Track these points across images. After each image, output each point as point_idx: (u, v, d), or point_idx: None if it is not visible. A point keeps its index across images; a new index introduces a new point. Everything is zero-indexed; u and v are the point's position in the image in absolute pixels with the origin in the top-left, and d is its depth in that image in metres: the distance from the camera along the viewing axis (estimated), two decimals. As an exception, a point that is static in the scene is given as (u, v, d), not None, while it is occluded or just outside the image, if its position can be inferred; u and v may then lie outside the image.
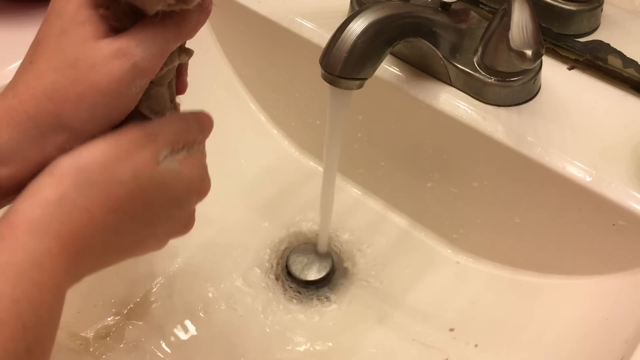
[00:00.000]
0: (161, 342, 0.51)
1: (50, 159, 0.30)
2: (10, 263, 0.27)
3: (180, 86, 0.37)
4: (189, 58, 0.36)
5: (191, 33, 0.33)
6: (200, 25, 0.33)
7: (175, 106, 0.37)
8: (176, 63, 0.34)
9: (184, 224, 0.36)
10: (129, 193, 0.31)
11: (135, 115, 0.33)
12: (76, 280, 0.30)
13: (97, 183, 0.30)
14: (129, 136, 0.31)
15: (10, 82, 0.32)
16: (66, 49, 0.30)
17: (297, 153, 0.64)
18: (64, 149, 0.31)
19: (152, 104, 0.34)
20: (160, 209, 0.33)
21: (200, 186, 0.35)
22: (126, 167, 0.31)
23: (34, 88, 0.30)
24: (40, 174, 0.30)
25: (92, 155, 0.30)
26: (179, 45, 0.33)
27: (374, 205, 0.61)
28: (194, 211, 0.37)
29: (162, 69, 0.32)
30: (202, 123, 0.36)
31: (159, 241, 0.36)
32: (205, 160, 0.36)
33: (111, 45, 0.30)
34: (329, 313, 0.54)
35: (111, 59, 0.30)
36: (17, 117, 0.30)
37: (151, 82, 0.32)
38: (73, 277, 0.30)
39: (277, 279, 0.56)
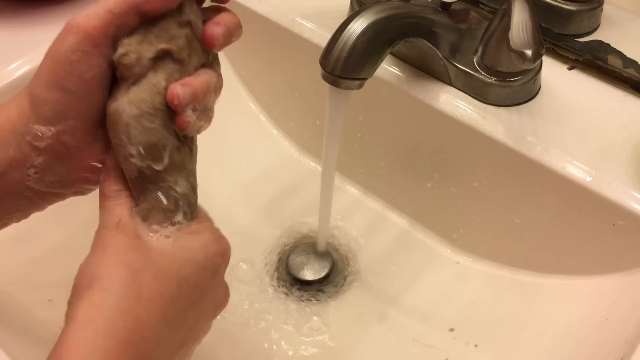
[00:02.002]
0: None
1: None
2: None
3: (205, 38, 0.35)
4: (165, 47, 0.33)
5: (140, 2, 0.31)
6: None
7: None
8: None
9: (223, 292, 0.36)
10: (155, 275, 0.31)
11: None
12: None
13: (123, 279, 0.30)
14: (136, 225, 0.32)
15: None
16: None
17: (297, 153, 0.64)
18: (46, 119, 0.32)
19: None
20: (192, 280, 0.33)
21: (219, 248, 0.35)
22: (140, 254, 0.31)
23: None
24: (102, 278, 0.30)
25: (109, 253, 0.31)
26: (130, 14, 0.32)
27: (373, 205, 0.61)
28: (223, 275, 0.36)
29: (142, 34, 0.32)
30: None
31: (207, 321, 0.36)
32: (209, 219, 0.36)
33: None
34: (328, 313, 0.54)
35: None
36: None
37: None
38: None
39: (276, 278, 0.56)
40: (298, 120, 0.63)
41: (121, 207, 0.33)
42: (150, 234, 0.32)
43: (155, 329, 0.30)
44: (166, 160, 0.33)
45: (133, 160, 0.32)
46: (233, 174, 0.62)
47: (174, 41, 0.33)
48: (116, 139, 0.32)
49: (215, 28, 0.34)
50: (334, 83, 0.43)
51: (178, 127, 0.33)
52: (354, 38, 0.42)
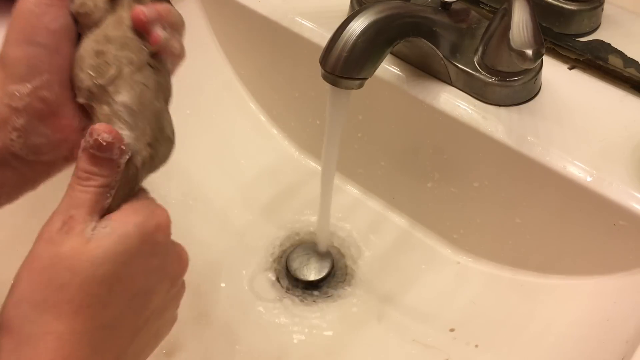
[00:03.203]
0: (161, 342, 0.51)
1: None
2: None
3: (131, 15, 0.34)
4: None
5: None
6: None
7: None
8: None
9: (175, 261, 0.34)
10: (78, 289, 0.29)
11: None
12: None
13: (40, 303, 0.28)
14: (43, 242, 0.30)
15: None
16: None
17: (297, 153, 0.64)
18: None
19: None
20: (127, 272, 0.30)
21: (153, 221, 0.32)
22: (58, 270, 0.29)
23: None
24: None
25: (20, 284, 0.29)
26: None
27: (373, 205, 0.60)
28: (171, 241, 0.34)
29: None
30: (94, 161, 0.31)
31: (164, 300, 0.33)
32: (147, 195, 0.33)
33: None
34: (328, 313, 0.54)
35: None
36: None
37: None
38: None
39: (276, 279, 0.56)
40: (298, 120, 0.63)
41: (86, 194, 0.30)
42: (91, 230, 0.30)
43: (88, 337, 0.29)
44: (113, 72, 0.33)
45: (85, 82, 0.33)
46: (233, 174, 0.62)
47: None
48: (77, 77, 0.33)
49: (144, 10, 0.34)
50: (334, 83, 0.43)
51: (152, 44, 0.34)
52: (354, 38, 0.42)
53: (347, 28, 0.42)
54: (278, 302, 0.55)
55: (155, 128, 0.33)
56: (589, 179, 0.45)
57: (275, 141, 0.65)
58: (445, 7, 0.49)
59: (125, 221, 0.31)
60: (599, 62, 0.51)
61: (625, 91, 0.51)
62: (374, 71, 0.44)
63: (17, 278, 0.29)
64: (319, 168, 0.62)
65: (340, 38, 0.42)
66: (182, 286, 0.36)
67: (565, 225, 0.48)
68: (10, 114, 0.32)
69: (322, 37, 0.55)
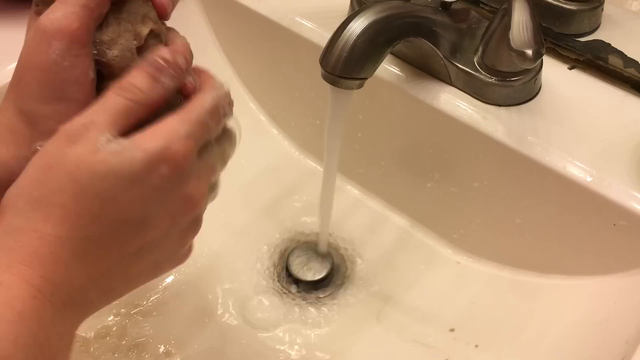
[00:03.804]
0: (161, 342, 0.51)
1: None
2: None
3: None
4: (150, 27, 0.33)
5: None
6: None
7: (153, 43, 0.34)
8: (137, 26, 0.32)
9: (181, 201, 0.32)
10: (73, 196, 0.28)
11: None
12: (77, 304, 0.29)
13: (34, 201, 0.28)
14: (57, 139, 0.29)
15: None
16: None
17: (297, 153, 0.64)
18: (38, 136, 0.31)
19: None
20: (124, 196, 0.29)
21: (163, 155, 0.29)
22: (58, 173, 0.28)
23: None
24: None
25: (25, 176, 0.29)
26: (104, 3, 0.31)
27: (374, 205, 0.60)
28: (183, 180, 0.31)
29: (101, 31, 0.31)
30: (148, 76, 0.31)
31: (162, 236, 0.32)
32: (181, 122, 0.31)
33: (33, 25, 0.31)
34: (328, 313, 0.54)
35: (29, 36, 0.30)
36: None
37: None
38: (60, 302, 0.28)
39: (277, 279, 0.56)
40: (298, 120, 0.63)
41: (117, 102, 0.29)
42: (104, 142, 0.29)
43: (70, 245, 0.28)
44: None
45: None
46: (233, 174, 0.62)
47: (149, 19, 0.33)
48: None
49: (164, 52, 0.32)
50: (334, 83, 0.43)
51: (186, 95, 0.33)
52: (354, 38, 0.42)
53: (347, 28, 0.42)
54: (278, 302, 0.55)
55: None
56: (589, 179, 0.45)
57: (275, 141, 0.65)
58: (445, 7, 0.49)
59: (138, 145, 0.29)
60: (599, 62, 0.51)
61: (625, 91, 0.51)
62: (374, 71, 0.44)
63: (28, 166, 0.29)
64: (319, 168, 0.62)
65: (340, 38, 0.42)
66: (190, 227, 0.34)
67: (565, 225, 0.48)
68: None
69: (322, 37, 0.55)
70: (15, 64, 0.32)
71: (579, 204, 0.46)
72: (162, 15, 0.33)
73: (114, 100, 0.30)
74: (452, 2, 0.48)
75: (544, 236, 0.50)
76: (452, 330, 0.51)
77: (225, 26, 0.64)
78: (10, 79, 0.32)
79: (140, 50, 0.32)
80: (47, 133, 0.30)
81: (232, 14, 0.62)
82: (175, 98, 0.33)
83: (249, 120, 0.65)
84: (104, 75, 0.32)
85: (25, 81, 0.30)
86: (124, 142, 0.29)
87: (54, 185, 0.28)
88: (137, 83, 0.30)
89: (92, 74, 0.31)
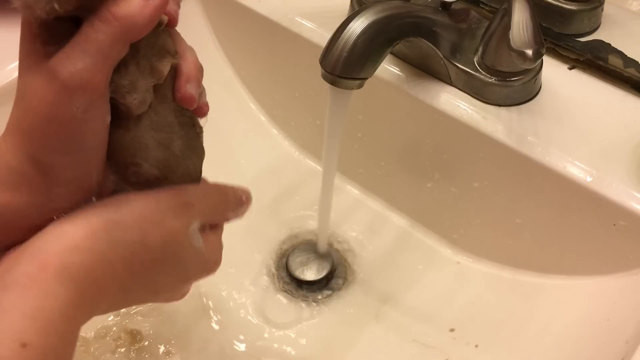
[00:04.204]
0: (161, 342, 0.51)
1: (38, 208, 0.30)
2: (41, 309, 0.26)
3: (179, 96, 0.33)
4: (170, 65, 0.31)
5: (132, 30, 0.28)
6: (144, 19, 0.27)
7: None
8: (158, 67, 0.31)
9: (183, 293, 0.38)
10: (153, 260, 0.31)
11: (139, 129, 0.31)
12: (87, 317, 0.30)
13: (128, 242, 0.30)
14: (166, 201, 0.32)
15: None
16: (19, 84, 0.29)
17: (297, 153, 0.64)
18: (50, 194, 0.30)
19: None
20: (172, 279, 0.34)
21: (211, 267, 0.36)
22: (158, 234, 0.31)
23: (7, 129, 0.30)
24: (71, 216, 0.29)
25: (130, 212, 0.31)
26: (125, 46, 0.28)
27: (374, 205, 0.60)
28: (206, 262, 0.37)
29: (117, 78, 0.29)
30: (239, 201, 0.37)
31: (155, 301, 0.36)
32: (221, 239, 0.37)
33: (42, 69, 0.28)
34: (328, 313, 0.54)
35: (43, 84, 0.28)
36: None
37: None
38: (80, 325, 0.29)
39: (276, 279, 0.56)
40: (298, 120, 0.63)
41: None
42: (194, 226, 0.33)
43: (119, 289, 0.31)
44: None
45: (152, 172, 0.32)
46: (233, 174, 0.62)
47: (167, 52, 0.31)
48: (132, 162, 0.32)
49: (189, 88, 0.33)
50: (333, 83, 0.43)
51: (200, 115, 0.34)
52: (354, 38, 0.42)
53: (347, 28, 0.42)
54: (277, 302, 0.55)
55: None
56: (589, 179, 0.45)
57: (275, 141, 0.65)
58: (445, 7, 0.49)
59: (207, 251, 0.35)
60: (599, 62, 0.51)
61: (625, 91, 0.51)
62: (374, 71, 0.44)
63: (134, 202, 0.31)
64: (319, 168, 0.62)
65: (340, 38, 0.42)
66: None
67: (565, 225, 0.48)
68: (48, 212, 0.31)
69: (322, 37, 0.55)
70: (16, 63, 0.31)
71: (579, 204, 0.46)
72: (170, 24, 0.32)
73: (215, 199, 0.36)
74: (452, 2, 0.48)
75: (544, 236, 0.50)
76: (452, 330, 0.51)
77: (225, 26, 0.64)
78: (10, 79, 0.31)
79: (157, 84, 0.31)
80: (64, 181, 0.30)
81: (232, 13, 0.62)
82: (190, 120, 0.34)
83: (249, 120, 0.65)
84: (120, 112, 0.30)
85: (41, 132, 0.29)
86: (202, 243, 0.34)
87: (148, 240, 0.31)
88: (230, 204, 0.37)
89: (108, 119, 0.30)
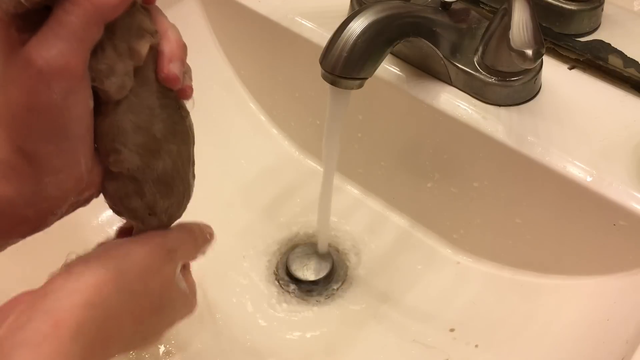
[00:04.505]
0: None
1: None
2: None
3: (162, 76, 0.32)
4: (149, 45, 0.30)
5: (104, 10, 0.27)
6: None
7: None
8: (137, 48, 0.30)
9: (162, 337, 0.38)
10: (153, 308, 0.33)
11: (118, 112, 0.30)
12: None
13: (134, 294, 0.31)
14: (159, 249, 0.33)
15: None
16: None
17: (297, 153, 0.64)
18: (38, 180, 0.29)
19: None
20: (165, 323, 0.35)
21: (193, 306, 0.38)
22: (157, 282, 0.32)
23: None
24: (79, 267, 0.30)
25: (133, 262, 0.31)
26: (100, 28, 0.28)
27: (373, 205, 0.60)
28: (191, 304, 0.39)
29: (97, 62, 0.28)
30: (205, 239, 0.38)
31: (139, 347, 0.39)
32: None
33: (18, 57, 0.27)
34: (328, 313, 0.54)
35: (19, 72, 0.27)
36: None
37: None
38: None
39: (277, 279, 0.56)
40: (298, 120, 0.63)
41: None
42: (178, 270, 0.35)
43: (123, 339, 0.32)
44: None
45: (133, 162, 0.31)
46: (233, 174, 0.62)
47: (144, 30, 0.30)
48: (112, 148, 0.31)
49: (173, 67, 0.32)
50: (333, 83, 0.43)
51: (184, 99, 0.33)
52: (354, 38, 0.42)
53: (347, 28, 0.42)
54: (278, 302, 0.55)
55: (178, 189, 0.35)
56: (589, 178, 0.45)
57: (275, 141, 0.65)
58: (445, 7, 0.49)
59: (191, 292, 0.38)
60: (599, 62, 0.51)
61: (625, 91, 0.51)
62: (374, 71, 0.44)
63: (135, 254, 0.32)
64: (319, 168, 0.62)
65: (340, 38, 0.42)
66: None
67: (565, 225, 0.48)
68: (40, 201, 0.30)
69: (322, 37, 0.55)
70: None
71: (579, 204, 0.46)
72: (149, 1, 0.31)
73: (188, 242, 0.36)
74: (452, 2, 0.48)
75: (544, 236, 0.50)
76: (452, 330, 0.51)
77: (225, 26, 0.64)
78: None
79: (138, 66, 0.30)
80: (52, 169, 0.29)
81: (232, 13, 0.62)
82: (174, 102, 0.33)
83: (249, 120, 0.65)
84: (98, 96, 0.30)
85: (23, 122, 0.28)
86: (185, 285, 0.37)
87: (151, 286, 0.32)
88: (199, 245, 0.38)
89: (91, 103, 0.29)
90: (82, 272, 0.30)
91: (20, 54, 0.27)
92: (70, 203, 0.32)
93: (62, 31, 0.26)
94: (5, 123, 0.29)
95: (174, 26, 0.32)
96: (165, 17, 0.32)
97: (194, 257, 0.38)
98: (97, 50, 0.28)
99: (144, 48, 0.30)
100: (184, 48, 0.32)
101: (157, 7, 0.32)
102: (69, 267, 0.30)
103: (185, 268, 0.38)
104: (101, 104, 0.30)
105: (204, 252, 0.38)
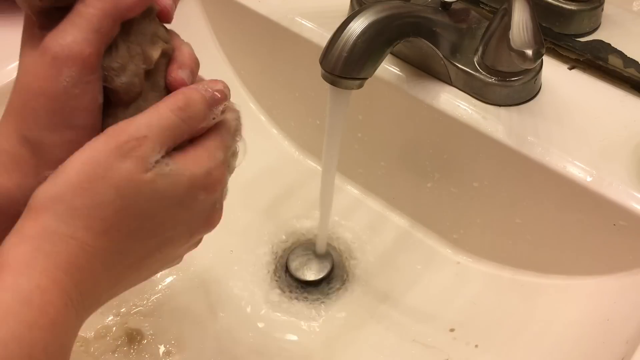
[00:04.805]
0: (161, 342, 0.51)
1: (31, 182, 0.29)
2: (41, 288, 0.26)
3: (169, 80, 0.32)
4: (160, 50, 0.31)
5: (122, 5, 0.29)
6: None
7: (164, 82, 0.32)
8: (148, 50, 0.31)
9: (203, 221, 0.33)
10: (117, 211, 0.29)
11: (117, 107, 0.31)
12: (89, 310, 0.29)
13: (77, 209, 0.28)
14: (106, 147, 0.29)
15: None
16: (18, 69, 0.30)
17: (297, 153, 0.64)
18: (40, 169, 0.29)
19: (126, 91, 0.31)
20: (161, 216, 0.30)
21: (205, 181, 0.31)
22: (106, 185, 0.28)
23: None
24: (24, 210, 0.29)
25: (67, 179, 0.28)
26: (116, 23, 0.29)
27: (373, 205, 0.60)
28: (212, 204, 0.33)
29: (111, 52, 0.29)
30: (210, 99, 0.31)
31: (176, 248, 0.33)
32: (218, 147, 0.32)
33: (37, 48, 0.29)
34: (328, 313, 0.54)
35: (35, 60, 0.29)
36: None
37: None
38: (81, 309, 0.28)
39: (276, 279, 0.56)
40: (298, 120, 0.63)
41: (171, 122, 0.30)
42: (153, 162, 0.29)
43: (103, 256, 0.29)
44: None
45: None
46: (233, 174, 0.62)
47: (158, 37, 0.31)
48: None
49: (181, 73, 0.32)
50: (333, 83, 0.43)
51: None
52: (354, 38, 0.42)
53: (347, 28, 0.42)
54: (278, 302, 0.55)
55: None
56: (588, 178, 0.45)
57: (275, 141, 0.65)
58: (445, 7, 0.49)
59: (183, 170, 0.30)
60: (599, 62, 0.51)
61: (625, 91, 0.51)
62: (374, 71, 0.44)
63: (67, 168, 0.28)
64: (319, 168, 0.62)
65: (340, 38, 0.42)
66: (197, 243, 0.36)
67: (565, 225, 0.48)
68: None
69: (322, 37, 0.55)
70: (16, 63, 0.32)
71: (579, 204, 0.46)
72: (165, 19, 0.33)
73: (167, 118, 0.30)
74: (452, 2, 0.48)
75: (544, 236, 0.50)
76: (452, 330, 0.51)
77: (225, 26, 0.64)
78: (10, 79, 0.32)
79: (149, 70, 0.31)
80: (53, 162, 0.29)
81: (232, 14, 0.62)
82: None
83: (249, 120, 0.65)
84: (109, 99, 0.30)
85: (31, 108, 0.29)
86: (172, 165, 0.30)
87: (100, 197, 0.28)
88: (195, 108, 0.31)
89: (100, 99, 0.30)
90: (22, 214, 0.28)
91: (40, 45, 0.29)
92: None
93: (79, 20, 0.28)
94: (14, 113, 0.30)
95: (188, 43, 0.33)
96: (179, 36, 0.34)
97: (199, 128, 0.31)
98: (111, 49, 0.29)
99: (156, 52, 0.31)
100: (195, 61, 0.33)
101: (172, 30, 0.34)
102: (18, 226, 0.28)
103: (195, 141, 0.32)
104: (110, 107, 0.31)
105: (221, 116, 0.32)
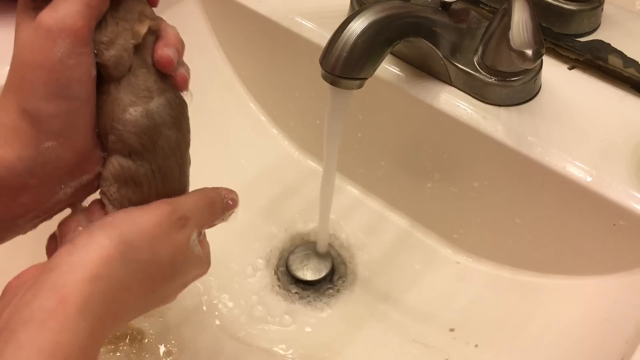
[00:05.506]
0: (161, 342, 0.51)
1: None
2: (59, 344, 0.26)
3: (156, 57, 0.34)
4: (147, 26, 0.34)
5: None
6: None
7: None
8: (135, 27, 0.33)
9: (176, 294, 0.38)
10: (164, 275, 0.33)
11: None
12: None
13: (142, 263, 0.31)
14: (167, 218, 0.33)
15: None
16: (14, 42, 0.32)
17: (297, 153, 0.64)
18: (38, 144, 0.31)
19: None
20: (177, 286, 0.36)
21: (206, 268, 0.38)
22: (167, 250, 0.32)
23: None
24: (82, 240, 0.30)
25: (140, 232, 0.31)
26: (105, 1, 0.31)
27: (373, 205, 0.60)
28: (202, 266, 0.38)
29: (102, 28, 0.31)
30: (226, 205, 0.38)
31: (155, 307, 0.37)
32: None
33: (32, 24, 0.31)
34: (328, 313, 0.54)
35: (30, 34, 0.30)
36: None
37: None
38: (97, 352, 0.30)
39: (276, 279, 0.56)
40: (298, 120, 0.63)
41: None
42: (193, 237, 0.35)
43: (134, 308, 0.33)
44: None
45: (130, 140, 0.33)
46: (233, 174, 0.62)
47: (145, 16, 0.33)
48: (111, 127, 0.33)
49: (167, 50, 0.34)
50: (333, 83, 0.43)
51: (181, 90, 0.35)
52: (354, 38, 0.42)
53: (347, 28, 0.42)
54: (278, 302, 0.55)
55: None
56: (588, 179, 0.45)
57: (275, 141, 0.65)
58: (445, 7, 0.49)
59: (206, 257, 0.37)
60: (599, 62, 0.51)
61: (625, 91, 0.51)
62: (374, 71, 0.44)
63: (144, 219, 0.32)
64: (319, 168, 0.62)
65: (340, 38, 0.42)
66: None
67: (565, 225, 0.48)
68: (39, 168, 0.31)
69: (322, 37, 0.55)
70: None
71: (579, 204, 0.46)
72: (152, 2, 0.35)
73: (204, 209, 0.36)
74: (452, 2, 0.48)
75: (544, 236, 0.50)
76: (452, 330, 0.51)
77: (225, 26, 0.64)
78: (7, 76, 0.32)
79: (138, 47, 0.33)
80: (52, 132, 0.31)
81: (232, 14, 0.62)
82: (173, 90, 0.35)
83: (249, 120, 0.65)
84: (101, 74, 0.32)
85: (28, 80, 0.30)
86: (200, 249, 0.36)
87: (161, 254, 0.32)
88: (217, 212, 0.38)
89: (93, 72, 0.31)
90: (85, 244, 0.30)
91: (34, 21, 0.30)
92: (69, 188, 0.33)
93: None
94: (12, 88, 0.31)
95: (173, 27, 0.35)
96: (165, 21, 0.35)
97: (211, 223, 0.38)
98: (101, 25, 0.32)
99: (143, 27, 0.33)
100: (180, 41, 0.35)
101: (159, 16, 0.35)
102: (74, 240, 0.30)
103: (201, 233, 0.38)
104: (104, 83, 0.32)
105: (224, 219, 0.39)
